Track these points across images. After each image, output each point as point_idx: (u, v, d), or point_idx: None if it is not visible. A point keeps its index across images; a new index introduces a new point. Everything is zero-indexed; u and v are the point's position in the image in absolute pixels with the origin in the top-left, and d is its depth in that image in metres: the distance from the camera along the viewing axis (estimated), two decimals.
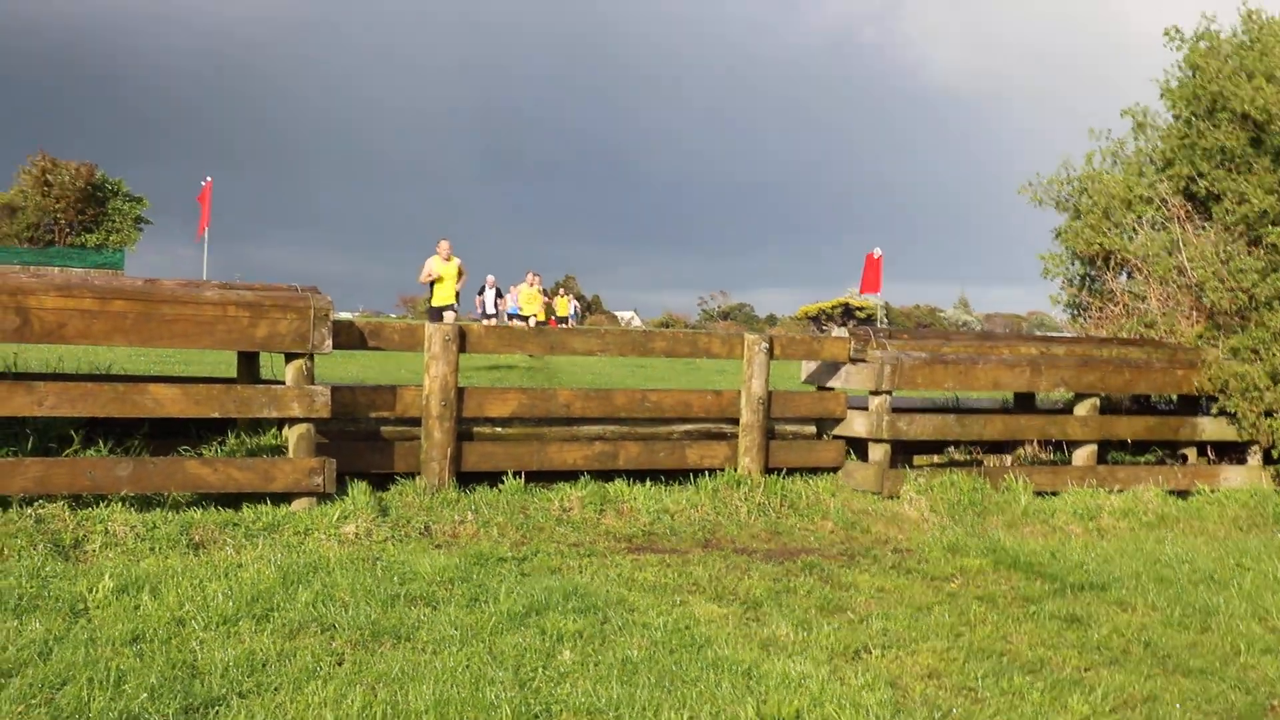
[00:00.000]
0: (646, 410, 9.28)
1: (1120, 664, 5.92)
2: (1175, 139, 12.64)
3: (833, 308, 70.46)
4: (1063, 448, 11.23)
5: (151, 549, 6.86)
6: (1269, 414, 10.66)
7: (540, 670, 5.17)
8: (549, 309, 41.01)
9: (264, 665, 5.02)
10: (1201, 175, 12.21)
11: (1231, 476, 11.12)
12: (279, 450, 8.25)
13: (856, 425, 9.97)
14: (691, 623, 6.05)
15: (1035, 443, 11.23)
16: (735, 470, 9.40)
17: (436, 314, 21.06)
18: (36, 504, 7.06)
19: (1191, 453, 11.62)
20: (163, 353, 18.69)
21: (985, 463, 10.94)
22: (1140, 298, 12.58)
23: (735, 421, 9.59)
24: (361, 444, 8.50)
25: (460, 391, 8.57)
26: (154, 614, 5.58)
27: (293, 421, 7.89)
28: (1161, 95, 13.00)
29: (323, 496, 7.80)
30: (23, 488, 7.03)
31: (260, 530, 7.30)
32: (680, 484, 9.21)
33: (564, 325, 45.26)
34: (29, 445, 7.63)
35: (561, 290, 49.55)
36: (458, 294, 27.91)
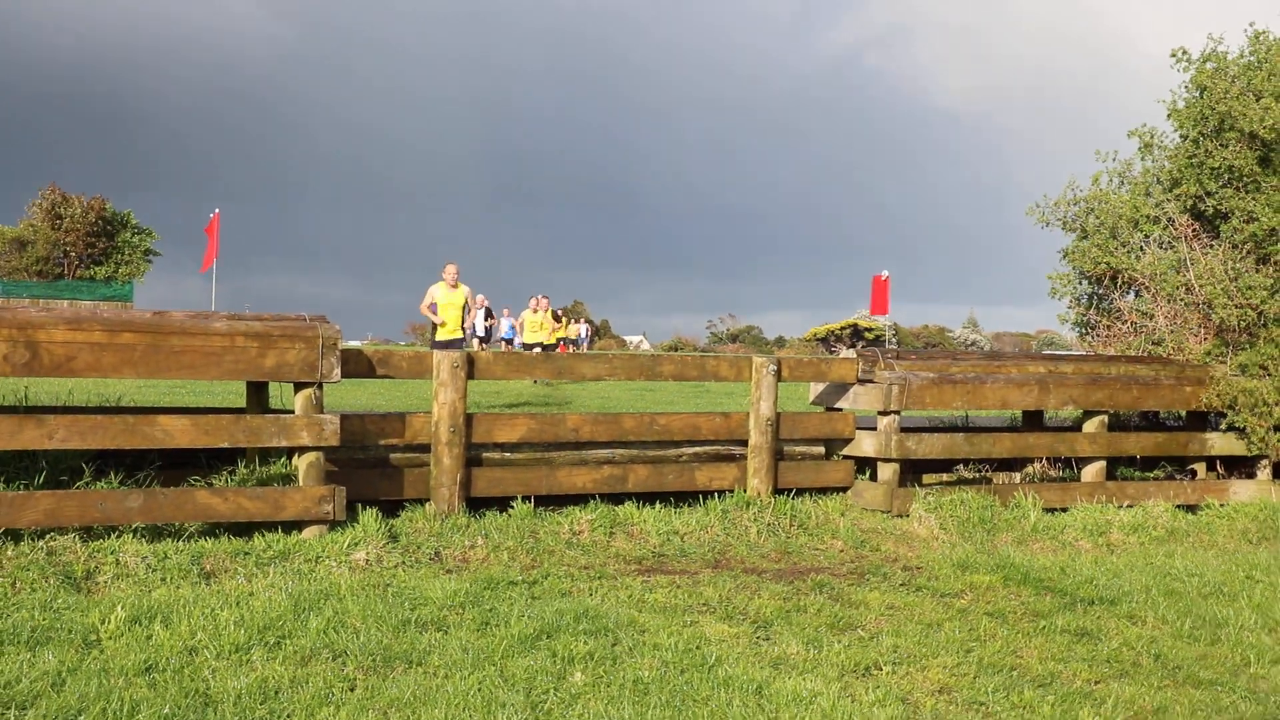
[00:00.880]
0: (655, 433, 9.30)
1: (1130, 676, 5.92)
2: (1183, 159, 12.69)
3: (841, 329, 70.45)
4: (1072, 464, 11.24)
5: (163, 579, 6.89)
6: (1278, 429, 10.67)
7: (552, 692, 5.19)
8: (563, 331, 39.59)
9: (276, 693, 5.04)
10: (1209, 194, 12.25)
11: (1240, 491, 11.11)
12: (289, 479, 8.28)
13: (865, 445, 9.99)
14: (702, 643, 6.06)
15: (1044, 460, 11.24)
16: (744, 491, 9.41)
17: (442, 348, 17.91)
18: (48, 536, 7.09)
19: (1200, 468, 11.62)
20: (172, 384, 18.76)
21: (994, 480, 10.96)
22: (1148, 316, 12.60)
23: (744, 443, 9.60)
24: (371, 471, 8.53)
25: (469, 418, 8.60)
26: (166, 644, 5.60)
27: (302, 450, 7.92)
28: (1169, 116, 13.06)
29: (333, 524, 7.83)
30: (34, 520, 7.07)
31: (271, 559, 7.32)
32: (690, 506, 9.23)
33: (573, 349, 45.29)
34: (40, 478, 7.67)
35: (566, 316, 48.51)
36: (466, 327, 26.64)
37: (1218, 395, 10.96)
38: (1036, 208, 13.71)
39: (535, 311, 30.11)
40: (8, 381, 11.56)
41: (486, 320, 30.74)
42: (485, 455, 8.90)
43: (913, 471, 10.51)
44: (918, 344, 73.95)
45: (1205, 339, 11.87)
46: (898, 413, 9.86)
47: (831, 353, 49.88)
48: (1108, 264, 12.83)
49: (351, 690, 5.14)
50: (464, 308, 18.38)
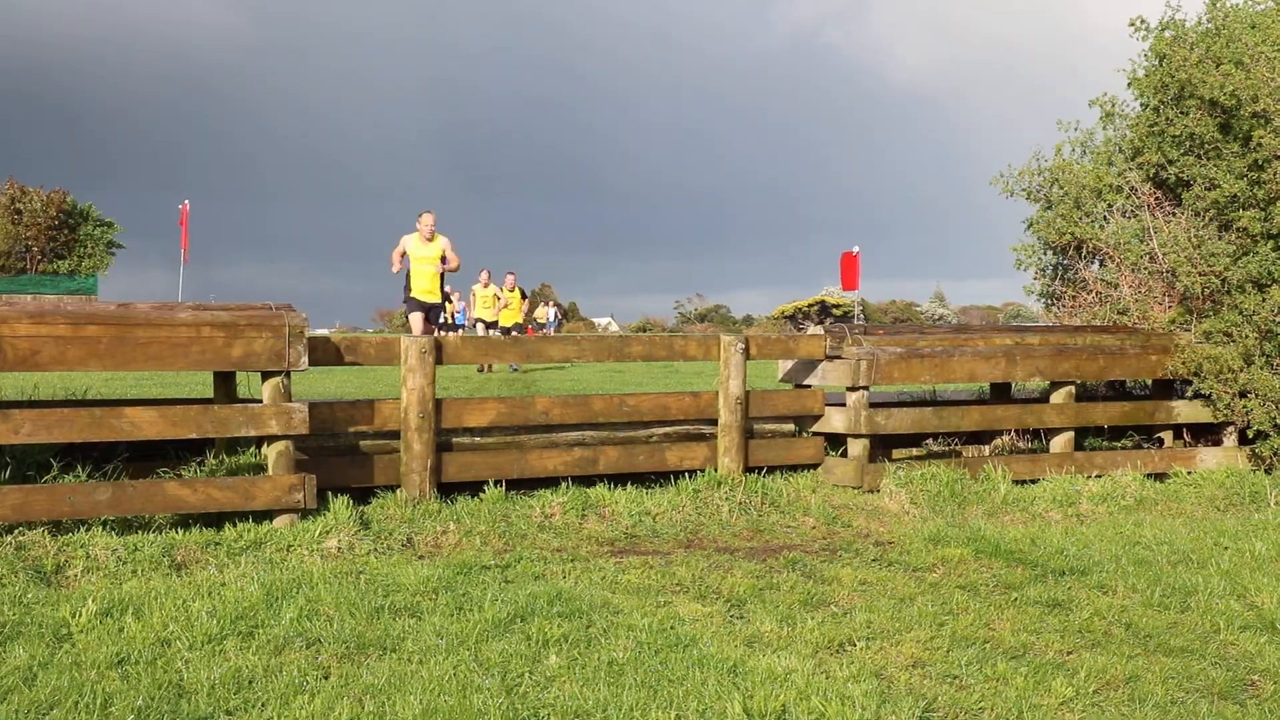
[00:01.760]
0: (625, 414, 9.30)
1: (1102, 646, 5.96)
2: (1144, 127, 12.74)
3: (809, 306, 70.54)
4: (1040, 436, 11.30)
5: (134, 571, 6.85)
6: (1243, 395, 10.75)
7: (527, 675, 5.19)
8: (528, 315, 37.52)
9: (250, 682, 5.02)
10: (1171, 162, 12.30)
11: (1208, 458, 11.19)
12: (258, 468, 8.25)
13: (835, 421, 10.01)
14: (676, 622, 6.07)
15: (1013, 432, 11.30)
16: (715, 470, 9.43)
17: (417, 306, 16.38)
18: (16, 531, 7.05)
19: (1168, 436, 11.69)
20: (139, 376, 18.65)
21: (964, 454, 11.02)
22: (1113, 285, 12.66)
23: (714, 422, 9.62)
24: (341, 459, 8.51)
25: (438, 403, 8.58)
26: (138, 636, 5.57)
27: (271, 439, 7.89)
28: (1129, 84, 13.12)
29: (304, 512, 7.80)
30: (2, 516, 7.02)
31: (242, 548, 7.30)
32: (661, 486, 9.24)
33: (542, 332, 45.17)
34: (7, 473, 7.62)
35: (535, 297, 47.90)
36: (447, 294, 25.41)
37: (1183, 363, 11.03)
38: (1001, 178, 13.74)
39: (485, 285, 27.26)
40: None
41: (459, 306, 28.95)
42: (455, 440, 8.88)
43: (883, 447, 10.54)
44: (885, 319, 74.15)
45: (1170, 307, 11.94)
46: (866, 388, 9.89)
47: (800, 330, 49.97)
48: (1072, 234, 12.89)
49: (326, 678, 5.12)
50: (441, 261, 16.23)
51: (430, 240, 16.15)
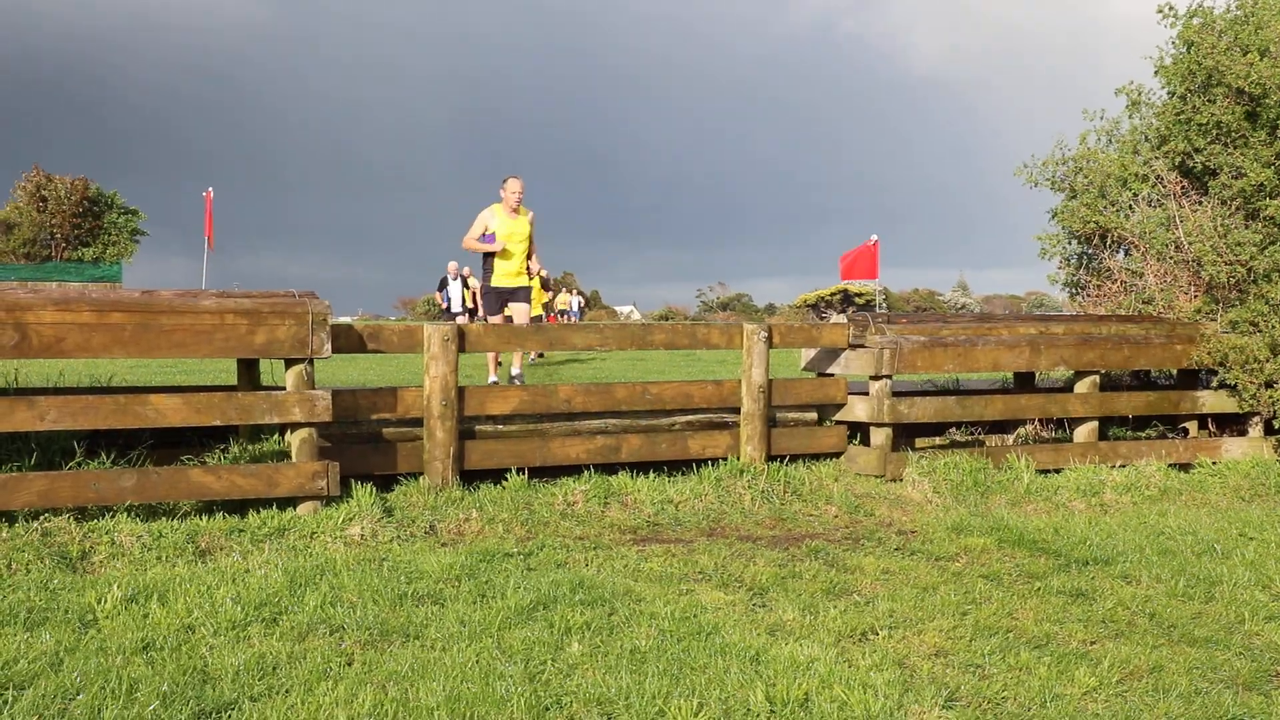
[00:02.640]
0: (647, 403, 9.30)
1: (1126, 636, 5.94)
2: (1170, 116, 12.67)
3: (831, 294, 70.46)
4: (1064, 425, 11.26)
5: (158, 558, 6.89)
6: (1269, 385, 10.69)
7: (549, 663, 5.20)
8: (550, 304, 34.74)
9: (274, 668, 5.04)
10: (1197, 151, 12.24)
11: (1233, 448, 11.14)
12: (282, 455, 8.28)
13: (858, 410, 9.99)
14: (698, 611, 6.07)
15: (1036, 421, 11.27)
16: (738, 459, 9.42)
17: (497, 299, 13.54)
18: (42, 518, 7.09)
19: (1192, 426, 11.64)
20: (163, 363, 18.73)
21: (987, 443, 10.98)
22: (1138, 274, 12.61)
23: (736, 411, 9.61)
24: (364, 446, 8.53)
25: (461, 391, 8.59)
26: (163, 622, 5.60)
27: (295, 426, 7.91)
28: (1156, 72, 13.05)
29: (327, 500, 7.83)
30: (27, 502, 7.06)
31: (266, 535, 7.32)
32: (683, 474, 9.24)
33: (564, 320, 45.17)
34: (32, 460, 7.66)
35: (557, 285, 47.47)
36: (465, 277, 24.91)
37: (1208, 353, 10.97)
38: (1025, 168, 13.70)
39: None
40: None
41: (465, 292, 26.57)
42: (478, 428, 8.90)
43: (905, 435, 10.51)
44: (907, 308, 73.96)
45: (1195, 297, 11.88)
46: (890, 377, 9.87)
47: (822, 319, 49.89)
48: (1097, 223, 12.83)
49: (349, 664, 5.14)
50: (530, 241, 13.56)
51: (517, 213, 13.17)
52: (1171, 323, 11.41)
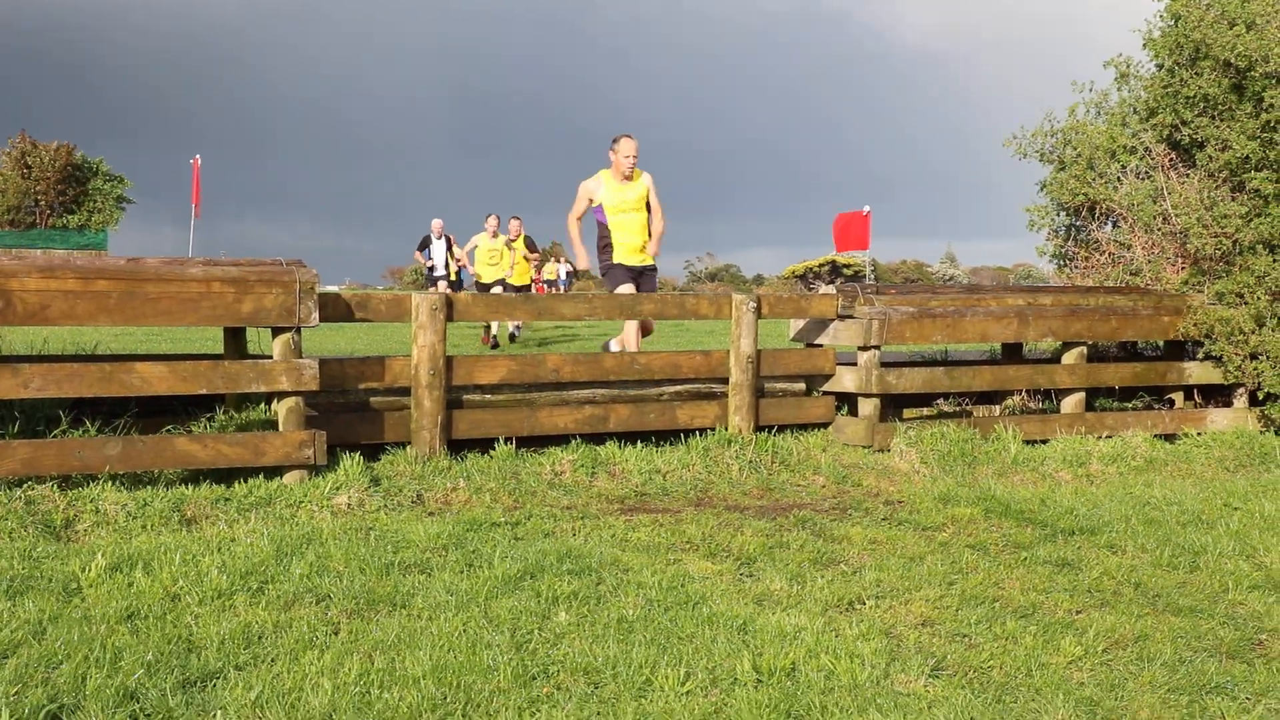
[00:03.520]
0: (636, 372, 9.28)
1: (1111, 605, 5.96)
2: (1158, 88, 12.66)
3: (820, 266, 70.34)
4: (1051, 396, 11.28)
5: (143, 527, 6.86)
6: (1254, 356, 10.72)
7: (536, 632, 5.20)
8: (538, 271, 32.68)
9: (260, 637, 5.03)
10: (1185, 123, 12.24)
11: (1218, 419, 11.16)
12: (269, 425, 8.26)
13: (846, 381, 9.99)
14: (686, 580, 6.07)
15: (1024, 392, 11.28)
16: (726, 429, 9.42)
17: (625, 274, 11.25)
18: (25, 485, 7.06)
19: (1178, 397, 11.66)
20: (148, 331, 18.68)
21: (974, 413, 10.99)
22: (1126, 246, 12.61)
23: (725, 381, 9.60)
24: (351, 415, 8.50)
25: (449, 360, 8.57)
26: (148, 591, 5.58)
27: (281, 395, 7.88)
28: (1144, 45, 13.04)
29: (314, 469, 7.81)
30: (11, 470, 7.03)
31: (252, 504, 7.30)
32: (671, 444, 9.23)
33: (552, 290, 45.05)
34: (15, 428, 7.63)
35: (542, 256, 46.81)
36: (450, 239, 23.88)
37: (1195, 324, 10.99)
38: (1014, 139, 13.68)
39: (494, 235, 22.03)
40: None
41: (450, 254, 24.09)
42: (466, 397, 8.88)
43: (893, 406, 10.52)
44: (896, 279, 73.98)
45: (1182, 268, 11.89)
46: (878, 348, 9.86)
47: (810, 289, 49.82)
48: (1085, 195, 12.83)
49: (335, 634, 5.13)
50: (649, 209, 11.23)
51: (630, 179, 10.99)
52: (1158, 294, 11.42)
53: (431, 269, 24.24)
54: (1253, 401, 11.27)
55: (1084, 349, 10.91)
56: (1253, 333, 10.61)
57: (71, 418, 7.81)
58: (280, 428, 7.86)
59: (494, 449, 8.65)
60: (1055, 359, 11.37)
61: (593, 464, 8.65)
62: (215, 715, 4.17)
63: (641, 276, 11.19)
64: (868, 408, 9.87)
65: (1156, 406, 11.67)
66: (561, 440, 8.98)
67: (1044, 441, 10.31)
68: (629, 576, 6.09)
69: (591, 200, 11.00)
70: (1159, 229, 12.11)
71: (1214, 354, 11.02)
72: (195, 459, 7.50)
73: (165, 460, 7.44)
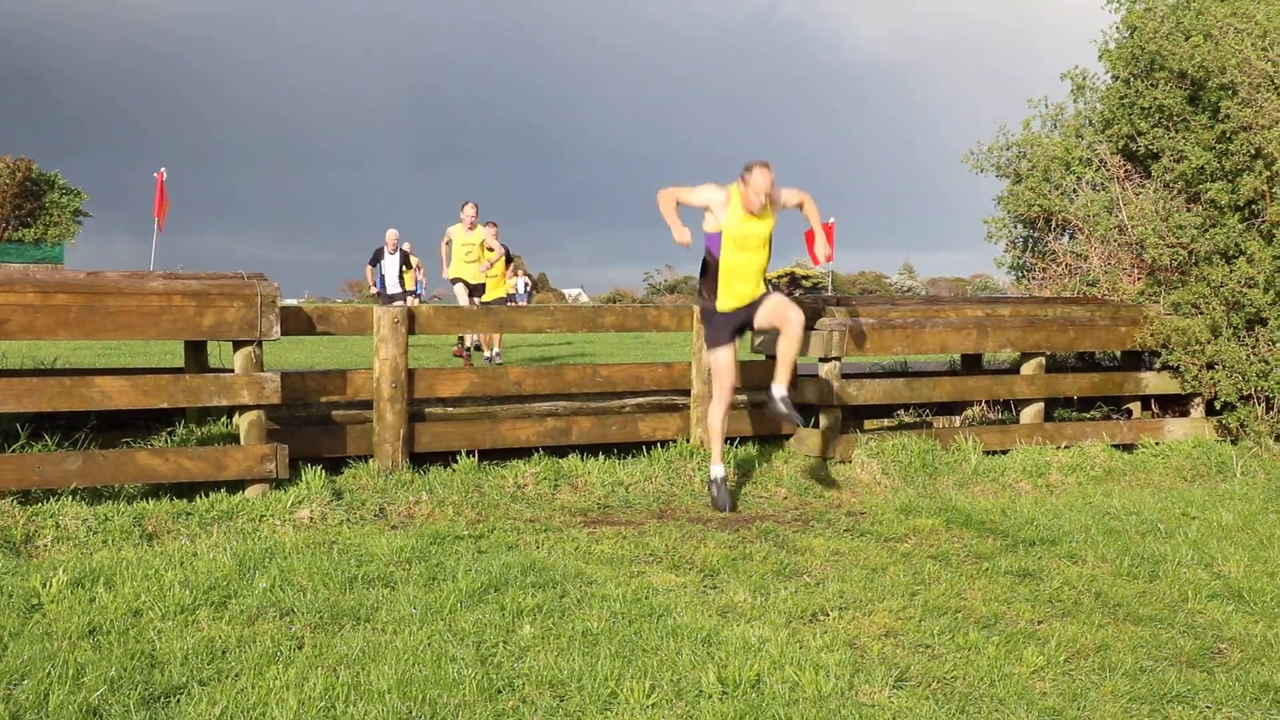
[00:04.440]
0: (598, 385, 9.29)
1: (1072, 615, 6.01)
2: (1114, 99, 12.80)
3: (779, 278, 70.60)
4: (1010, 407, 11.35)
5: (104, 541, 6.82)
6: (1210, 366, 10.82)
7: (501, 646, 5.20)
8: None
9: (224, 652, 5.01)
10: (1140, 134, 12.37)
11: (1175, 429, 11.27)
12: (230, 438, 8.22)
13: (807, 392, 10.02)
14: (650, 593, 6.09)
15: (983, 403, 11.36)
16: (688, 441, 9.44)
17: (725, 326, 9.43)
18: None
19: (1136, 407, 11.76)
20: (107, 345, 18.55)
21: (935, 424, 11.06)
22: (1083, 257, 12.73)
23: (687, 393, 9.62)
24: (313, 429, 8.47)
25: (411, 373, 8.55)
26: (110, 606, 5.55)
27: (243, 409, 7.85)
28: (1100, 57, 13.18)
29: (276, 482, 7.78)
30: None
31: (214, 518, 7.27)
32: (634, 457, 9.24)
33: (511, 304, 44.88)
34: None
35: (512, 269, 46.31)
36: (406, 253, 21.88)
37: (1152, 335, 11.09)
38: (971, 155, 13.82)
39: (471, 228, 18.87)
40: None
41: (404, 269, 22.00)
42: (428, 410, 8.86)
43: (854, 417, 10.56)
44: (854, 291, 74.31)
45: (1138, 279, 12.01)
46: (839, 359, 9.90)
47: None
48: (1041, 206, 12.95)
49: (300, 648, 5.12)
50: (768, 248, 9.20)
51: (760, 214, 8.50)
52: (1116, 305, 11.53)
53: (380, 291, 21.47)
54: (1209, 411, 11.38)
55: (1042, 359, 10.99)
56: (1209, 342, 10.72)
57: (30, 431, 7.76)
58: (242, 441, 7.82)
59: (456, 462, 8.64)
60: (1014, 369, 11.45)
61: (555, 476, 8.65)
62: None
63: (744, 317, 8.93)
64: (829, 419, 9.91)
65: (1115, 416, 11.76)
66: (524, 453, 8.97)
67: (1004, 452, 10.38)
68: (593, 589, 6.10)
69: (708, 210, 8.58)
70: (1115, 240, 12.23)
71: (1171, 364, 11.11)
72: (156, 473, 7.46)
73: (126, 474, 7.39)
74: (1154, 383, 11.38)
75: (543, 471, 8.66)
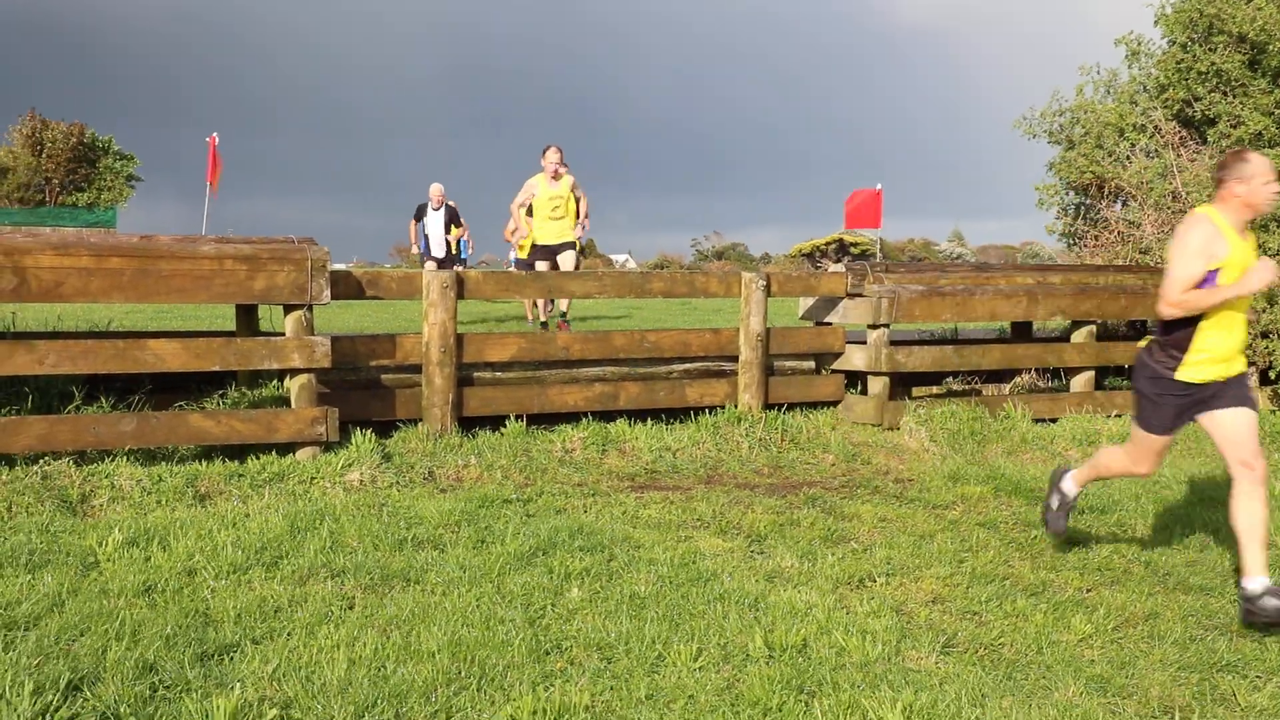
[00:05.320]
0: (645, 350, 9.30)
1: (1121, 584, 5.99)
2: (1170, 64, 12.62)
3: (827, 244, 70.22)
4: (1060, 375, 11.28)
5: (158, 502, 6.91)
6: (1264, 335, 10.71)
7: (549, 608, 5.23)
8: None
9: (276, 612, 5.08)
10: (1197, 99, 12.20)
11: None
12: (281, 401, 8.29)
13: (855, 359, 10.00)
14: (697, 557, 6.11)
15: (1033, 371, 11.28)
16: (735, 407, 9.43)
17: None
18: (41, 461, 7.09)
19: None
20: (159, 308, 18.71)
21: (983, 392, 11.00)
22: (1135, 225, 12.59)
23: (734, 359, 9.61)
24: (363, 392, 8.53)
25: (459, 338, 8.59)
26: (164, 565, 5.63)
27: (294, 372, 7.91)
28: (1156, 21, 12.98)
29: (326, 445, 7.84)
30: (27, 445, 7.07)
31: (266, 480, 7.34)
32: (681, 422, 9.25)
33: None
34: (30, 404, 7.67)
35: None
36: (452, 208, 19.11)
37: None
38: (1024, 120, 13.66)
39: (555, 177, 14.03)
40: None
41: (449, 231, 19.48)
42: (476, 375, 8.90)
43: (902, 384, 10.53)
44: (902, 258, 73.87)
45: None
46: (888, 326, 9.87)
47: (817, 268, 49.72)
48: (1094, 173, 12.81)
49: (350, 608, 5.17)
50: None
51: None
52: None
53: (426, 245, 19.52)
54: (1263, 380, 11.26)
55: (1093, 328, 10.91)
56: (1264, 311, 10.61)
57: (84, 394, 7.85)
58: (293, 404, 7.89)
59: (505, 426, 8.68)
60: (1064, 338, 11.37)
61: (603, 441, 8.67)
62: (233, 688, 4.20)
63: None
64: (877, 386, 9.89)
65: None
66: (572, 418, 9.00)
67: (1053, 420, 10.32)
68: (640, 553, 6.13)
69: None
70: (1169, 207, 12.09)
71: None
72: (209, 435, 7.54)
73: (179, 436, 7.47)
74: None
75: (590, 436, 8.68)
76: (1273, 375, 10.92)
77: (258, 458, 7.64)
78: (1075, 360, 10.79)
